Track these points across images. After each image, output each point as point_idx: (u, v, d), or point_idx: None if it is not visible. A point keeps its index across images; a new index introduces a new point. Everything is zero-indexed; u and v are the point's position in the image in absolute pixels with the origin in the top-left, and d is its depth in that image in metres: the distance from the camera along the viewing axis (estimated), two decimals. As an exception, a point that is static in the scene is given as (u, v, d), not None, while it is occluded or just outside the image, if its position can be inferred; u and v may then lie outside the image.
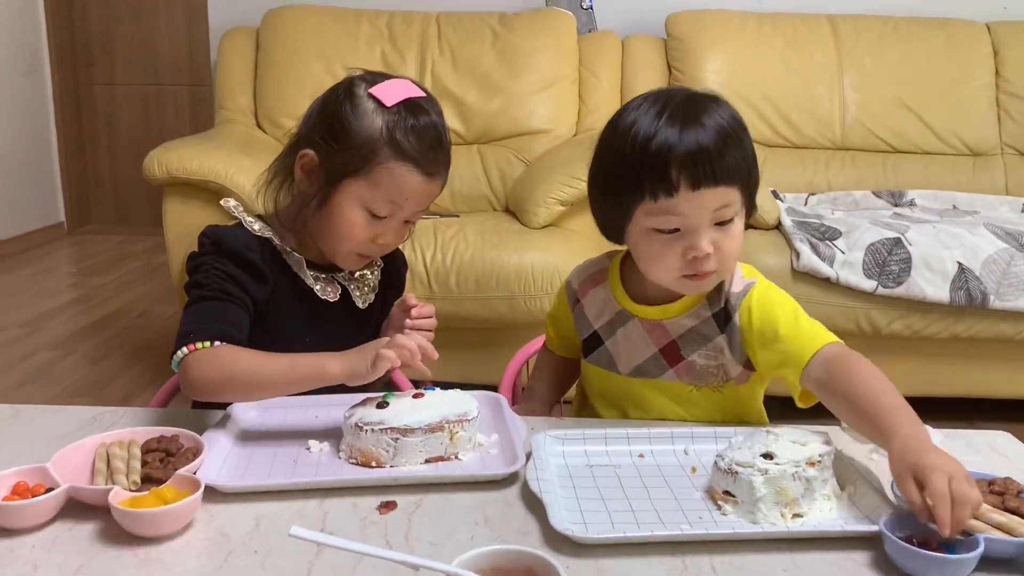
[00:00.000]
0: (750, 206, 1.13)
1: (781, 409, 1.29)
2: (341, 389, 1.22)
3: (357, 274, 1.30)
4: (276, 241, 1.23)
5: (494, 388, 1.35)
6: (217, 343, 1.10)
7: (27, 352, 3.16)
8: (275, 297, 1.22)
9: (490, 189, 2.94)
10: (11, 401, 1.20)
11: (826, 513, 0.95)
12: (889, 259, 2.30)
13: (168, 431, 1.04)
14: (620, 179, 1.10)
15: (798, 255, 2.31)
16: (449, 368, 2.20)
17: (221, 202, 1.29)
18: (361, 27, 3.09)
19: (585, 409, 1.32)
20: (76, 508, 0.92)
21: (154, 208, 2.79)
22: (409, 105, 1.16)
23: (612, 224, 1.16)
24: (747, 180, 1.09)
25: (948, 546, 0.84)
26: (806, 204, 2.85)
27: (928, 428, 1.16)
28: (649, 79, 3.03)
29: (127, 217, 5.25)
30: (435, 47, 3.07)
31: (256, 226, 1.23)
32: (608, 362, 1.24)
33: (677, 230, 1.08)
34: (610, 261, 1.28)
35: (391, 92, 1.16)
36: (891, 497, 0.95)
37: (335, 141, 1.17)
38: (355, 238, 1.20)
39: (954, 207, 2.85)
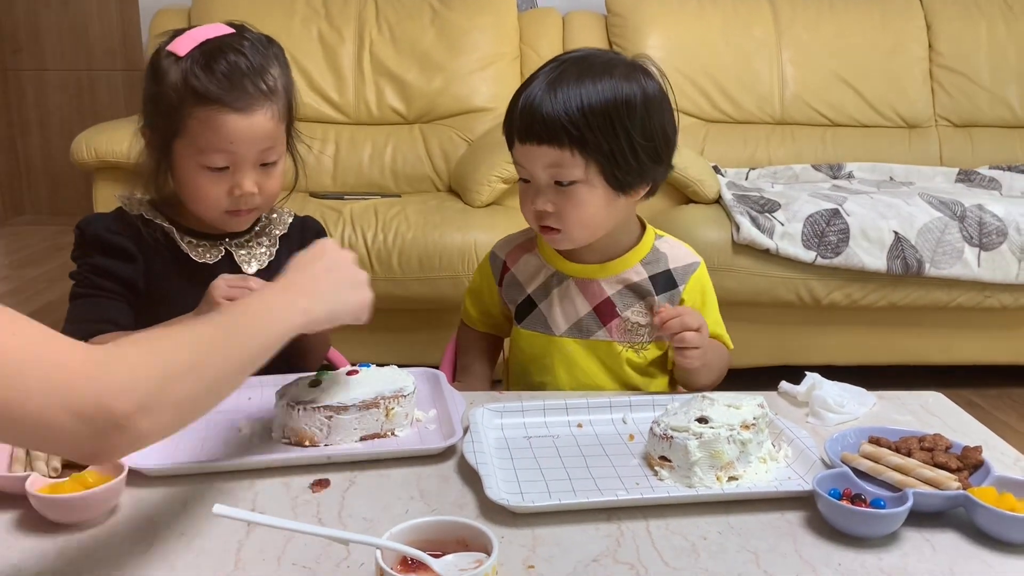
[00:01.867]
0: (616, 183, 1.15)
1: (745, 381, 1.29)
2: (274, 369, 1.20)
3: (245, 239, 1.27)
4: (146, 215, 1.22)
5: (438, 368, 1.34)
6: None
7: (-44, 347, 3.04)
8: (154, 270, 1.22)
9: (433, 169, 2.91)
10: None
11: (762, 475, 0.95)
12: (827, 230, 2.33)
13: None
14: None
15: (738, 228, 2.32)
16: (394, 350, 2.19)
17: (116, 195, 1.26)
18: (296, 5, 3.02)
19: (516, 381, 1.32)
20: (-5, 497, 0.88)
21: (90, 197, 2.71)
22: (204, 48, 1.14)
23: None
24: (585, 149, 1.12)
25: (878, 502, 0.85)
26: (747, 179, 2.88)
27: (859, 390, 1.18)
28: (591, 56, 3.01)
29: (62, 207, 5.09)
30: (373, 25, 3.02)
31: (130, 205, 1.23)
32: (543, 324, 1.26)
33: (529, 182, 1.18)
34: (535, 231, 1.28)
35: (185, 42, 1.14)
36: (825, 457, 0.96)
37: (152, 110, 1.17)
38: (208, 197, 1.17)
39: (891, 178, 2.90)
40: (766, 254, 2.33)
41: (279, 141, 1.19)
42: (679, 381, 1.29)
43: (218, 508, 0.73)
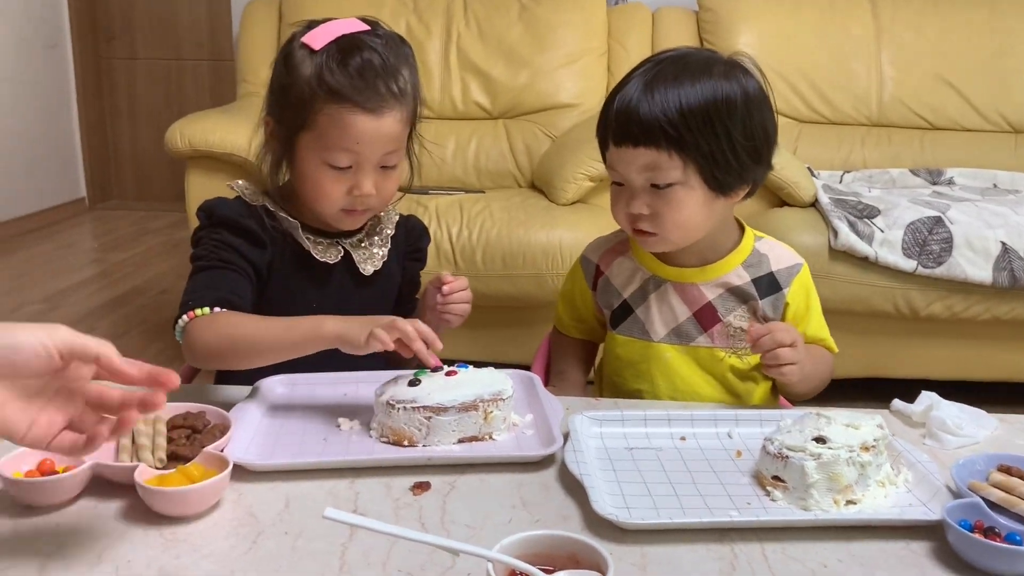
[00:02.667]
0: (716, 185, 1.12)
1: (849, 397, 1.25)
2: (369, 366, 1.19)
3: (357, 239, 1.26)
4: (270, 207, 1.21)
5: (523, 368, 1.32)
6: (216, 309, 1.09)
7: (49, 327, 3.15)
8: (276, 263, 1.21)
9: (515, 165, 2.88)
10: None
11: (880, 500, 0.90)
12: (930, 238, 2.23)
13: (194, 407, 1.01)
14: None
15: (836, 233, 2.24)
16: (475, 347, 2.17)
17: (228, 184, 1.25)
18: (385, -1, 3.03)
19: (610, 388, 1.28)
20: (101, 486, 0.89)
21: (175, 183, 2.76)
22: (340, 43, 1.12)
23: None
24: (684, 150, 1.09)
25: (1013, 536, 0.80)
26: (841, 182, 2.78)
27: (980, 412, 1.12)
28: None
29: (148, 192, 5.24)
30: (460, 20, 3.01)
31: (251, 196, 1.22)
32: (640, 330, 1.23)
33: (623, 185, 1.15)
34: (627, 233, 1.25)
35: (321, 35, 1.13)
36: (950, 484, 0.91)
37: (280, 100, 1.16)
38: (329, 196, 1.16)
39: (995, 186, 2.77)
40: (864, 262, 2.24)
41: (402, 144, 1.18)
42: (780, 389, 1.24)
43: (329, 512, 0.72)
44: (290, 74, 1.14)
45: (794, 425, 0.95)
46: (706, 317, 1.20)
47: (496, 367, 1.13)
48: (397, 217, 1.33)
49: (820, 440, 0.91)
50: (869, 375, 2.36)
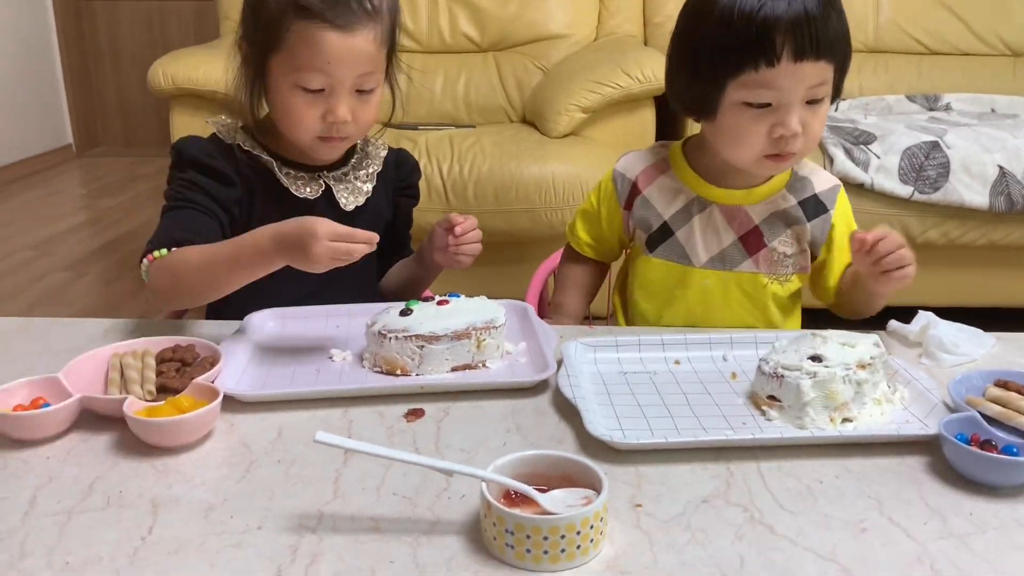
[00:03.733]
0: (839, 87, 1.10)
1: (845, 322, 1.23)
2: (361, 298, 1.18)
3: (341, 172, 1.24)
4: (243, 144, 1.18)
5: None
6: (174, 249, 1.07)
7: (38, 274, 3.13)
8: (252, 200, 1.19)
9: (506, 99, 2.83)
10: (22, 318, 1.16)
11: (877, 417, 0.90)
12: (926, 164, 2.20)
13: (184, 340, 1.00)
14: (719, 50, 1.06)
15: (832, 160, 2.21)
16: (470, 283, 2.14)
17: (207, 119, 1.22)
18: (369, -71, 2.93)
19: (637, 315, 1.26)
20: (91, 419, 0.88)
21: (163, 128, 2.71)
22: None
23: (699, 99, 1.11)
24: (844, 57, 1.07)
25: (1010, 449, 0.79)
26: (837, 109, 2.73)
27: (977, 331, 1.11)
28: (672, -20, 2.88)
29: (136, 138, 5.16)
30: (447, -52, 2.92)
31: (225, 132, 1.19)
32: (679, 254, 1.20)
33: (769, 104, 1.06)
34: (667, 150, 1.23)
35: None
36: (948, 400, 0.90)
37: (251, 21, 1.13)
38: (302, 121, 1.13)
39: (993, 110, 2.73)
40: (860, 188, 2.22)
41: (378, 67, 1.14)
42: (853, 309, 1.21)
43: (320, 435, 0.71)
44: None
45: (790, 345, 0.94)
46: (752, 242, 1.18)
47: (504, 300, 1.13)
48: (385, 152, 1.30)
49: (816, 359, 0.90)
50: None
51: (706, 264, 1.19)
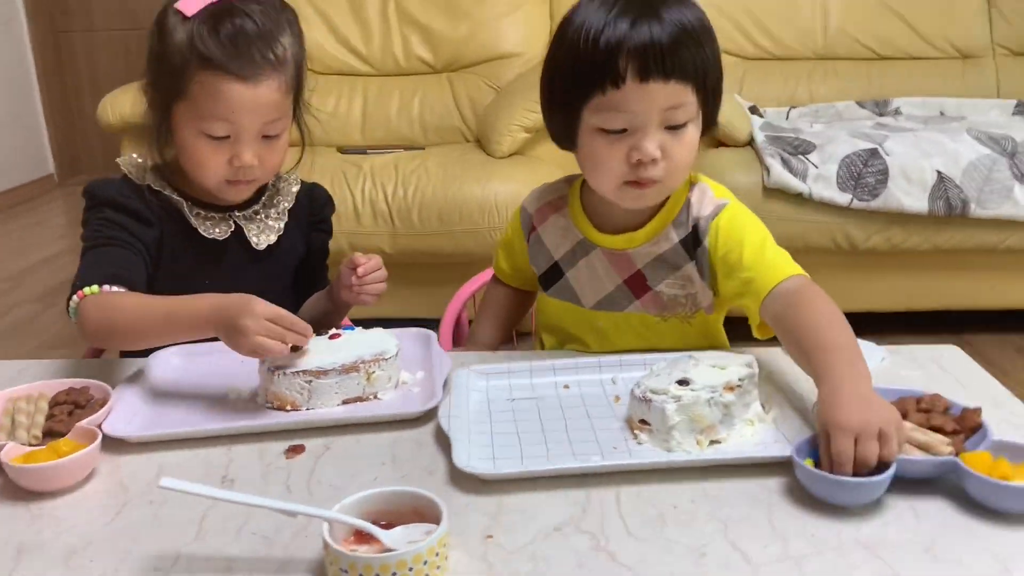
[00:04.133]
0: (708, 116, 1.06)
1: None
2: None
3: (252, 211, 1.25)
4: (153, 184, 1.19)
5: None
6: (105, 287, 1.08)
7: (7, 307, 3.16)
8: (165, 242, 1.20)
9: (461, 119, 2.86)
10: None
11: (747, 438, 0.92)
12: (864, 171, 2.22)
13: (79, 383, 1.02)
14: (569, 76, 1.04)
15: (768, 171, 2.23)
16: (415, 304, 2.18)
17: (117, 160, 1.24)
18: (322, -46, 2.97)
19: (549, 343, 1.27)
20: (-24, 466, 0.90)
21: (113, 158, 2.75)
22: (212, 9, 1.10)
23: (561, 129, 1.09)
24: (702, 82, 1.02)
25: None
26: (787, 118, 2.76)
27: (869, 344, 1.12)
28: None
29: (118, 167, 5.19)
30: (397, -28, 2.96)
31: (135, 173, 1.20)
32: (571, 295, 1.18)
33: (624, 130, 1.02)
34: (569, 187, 1.21)
35: (194, 1, 1.10)
36: (813, 421, 0.92)
37: (155, 69, 1.14)
38: (207, 167, 1.14)
39: (941, 113, 2.75)
40: (799, 198, 2.24)
41: (284, 113, 1.15)
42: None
43: (165, 481, 0.73)
44: (162, 41, 1.12)
45: (665, 368, 0.96)
46: (636, 285, 1.14)
47: (435, 324, 1.14)
48: (297, 187, 1.31)
49: (683, 382, 0.92)
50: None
51: (595, 306, 1.17)
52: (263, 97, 1.11)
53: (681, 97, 1.01)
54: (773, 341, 1.10)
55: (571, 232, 1.18)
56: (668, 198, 1.12)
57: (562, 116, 1.08)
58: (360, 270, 1.20)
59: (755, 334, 1.09)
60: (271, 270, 1.27)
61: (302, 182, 1.33)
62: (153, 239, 1.19)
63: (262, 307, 0.97)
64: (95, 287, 1.08)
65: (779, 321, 1.01)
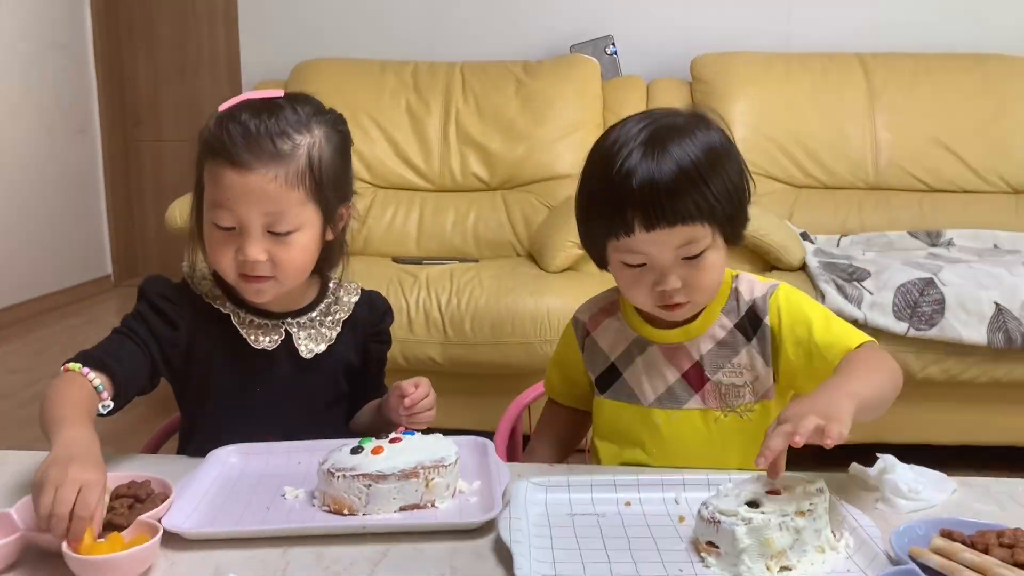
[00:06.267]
0: (731, 236, 1.11)
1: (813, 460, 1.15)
2: (327, 435, 1.20)
3: (308, 319, 1.25)
4: (199, 290, 1.23)
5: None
6: (85, 369, 1.09)
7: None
8: (200, 345, 1.22)
9: (514, 234, 2.93)
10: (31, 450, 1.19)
11: (818, 566, 0.88)
12: (921, 300, 2.21)
13: (140, 476, 1.02)
14: (591, 216, 1.12)
15: (823, 296, 2.23)
16: (465, 415, 2.17)
17: (181, 263, 1.28)
18: (387, 78, 3.13)
19: (599, 459, 1.25)
20: (38, 555, 0.90)
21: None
22: (238, 105, 1.14)
23: (594, 255, 1.16)
24: (712, 216, 1.06)
25: (947, 604, 0.77)
26: (838, 246, 2.77)
27: (939, 475, 1.09)
28: (675, 122, 2.99)
29: (173, 269, 5.30)
30: (459, 96, 3.09)
31: (197, 279, 1.24)
32: (628, 394, 1.20)
33: (644, 264, 1.09)
34: (619, 293, 1.24)
35: (232, 102, 1.15)
36: (890, 551, 0.89)
37: (195, 166, 1.18)
38: (219, 259, 1.15)
39: (995, 246, 2.74)
40: (854, 324, 2.21)
41: (290, 208, 1.13)
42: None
43: (231, 578, 0.72)
44: (199, 139, 1.16)
45: (734, 489, 0.94)
46: (694, 378, 1.16)
47: (484, 435, 1.14)
48: (357, 296, 1.31)
49: (753, 504, 0.90)
50: (871, 441, 2.30)
51: (654, 403, 1.18)
52: (254, 185, 1.10)
53: (693, 234, 1.06)
54: (838, 466, 1.08)
55: (625, 332, 1.21)
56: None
57: (592, 243, 1.14)
58: (407, 401, 1.20)
59: None
60: (319, 379, 1.27)
61: (363, 291, 1.33)
62: (175, 342, 1.21)
63: (76, 473, 0.88)
64: (78, 365, 1.10)
65: None
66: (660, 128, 1.08)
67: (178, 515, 0.96)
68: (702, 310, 1.16)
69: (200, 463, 1.11)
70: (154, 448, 1.33)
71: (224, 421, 1.23)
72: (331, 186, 1.18)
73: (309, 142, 1.14)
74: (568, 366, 1.30)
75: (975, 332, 2.19)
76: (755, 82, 3.04)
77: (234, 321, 1.22)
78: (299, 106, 1.17)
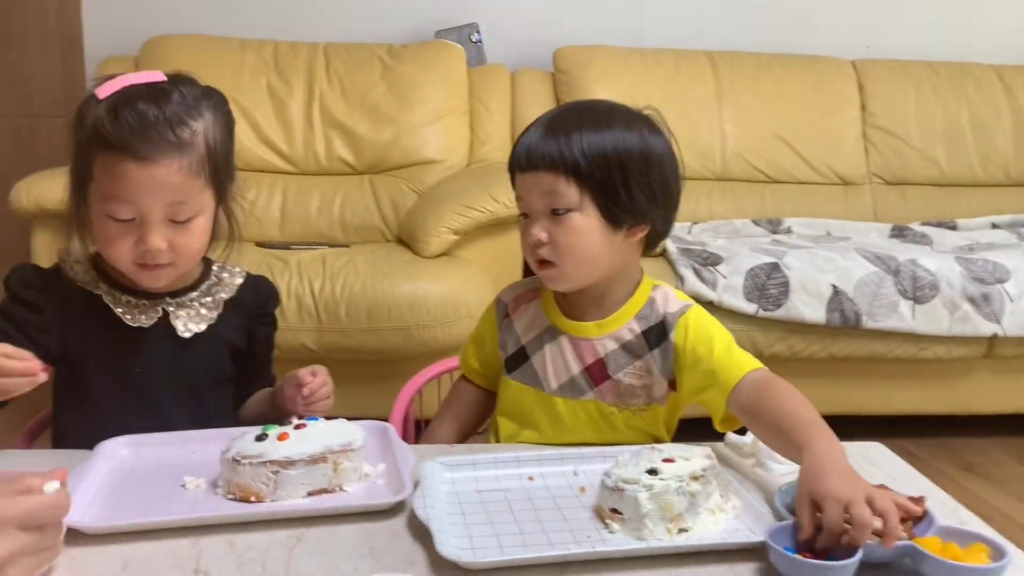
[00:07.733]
0: (607, 210, 1.14)
1: (693, 433, 1.24)
2: (219, 423, 1.18)
3: (188, 298, 1.24)
4: (71, 273, 1.19)
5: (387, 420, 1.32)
6: None
7: None
8: (73, 328, 1.19)
9: (382, 219, 2.91)
10: None
11: (711, 527, 0.96)
12: (768, 283, 2.39)
13: (23, 472, 0.97)
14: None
15: (682, 280, 2.37)
16: (342, 402, 2.14)
17: (57, 250, 1.23)
18: (246, 57, 3.02)
19: (500, 436, 1.29)
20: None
21: (25, 244, 2.64)
22: (122, 92, 1.11)
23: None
24: (576, 171, 1.13)
25: (829, 553, 0.87)
26: (690, 232, 2.94)
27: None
28: (539, 111, 3.05)
29: (16, 256, 4.93)
30: (323, 77, 3.03)
31: (71, 262, 1.20)
32: (533, 378, 1.24)
33: (526, 215, 1.20)
34: (540, 282, 1.27)
35: (109, 86, 1.11)
36: (777, 509, 0.98)
37: (73, 153, 1.14)
38: (115, 249, 1.13)
39: (828, 233, 3.00)
40: (709, 306, 2.37)
41: (192, 196, 1.12)
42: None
43: None
44: (76, 126, 1.12)
45: (631, 459, 1.00)
46: (597, 373, 1.21)
47: (364, 420, 1.14)
48: (242, 279, 1.30)
49: (652, 472, 0.96)
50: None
51: (556, 391, 1.23)
52: (160, 177, 1.08)
53: (553, 185, 1.14)
54: (714, 436, 1.18)
55: (540, 319, 1.25)
56: (634, 292, 1.22)
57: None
58: (306, 390, 1.20)
59: (717, 427, 1.16)
60: (200, 359, 1.25)
61: (248, 275, 1.32)
62: (49, 326, 1.17)
63: None
64: None
65: (750, 408, 1.10)
66: (572, 109, 1.19)
67: (74, 510, 0.92)
68: (614, 311, 1.21)
69: (88, 456, 1.06)
70: (28, 444, 1.25)
71: (104, 403, 1.20)
72: (223, 168, 1.17)
73: (204, 127, 1.13)
74: (485, 344, 1.34)
75: (815, 312, 2.39)
76: (613, 75, 3.16)
77: (107, 300, 1.18)
78: (184, 88, 1.14)
